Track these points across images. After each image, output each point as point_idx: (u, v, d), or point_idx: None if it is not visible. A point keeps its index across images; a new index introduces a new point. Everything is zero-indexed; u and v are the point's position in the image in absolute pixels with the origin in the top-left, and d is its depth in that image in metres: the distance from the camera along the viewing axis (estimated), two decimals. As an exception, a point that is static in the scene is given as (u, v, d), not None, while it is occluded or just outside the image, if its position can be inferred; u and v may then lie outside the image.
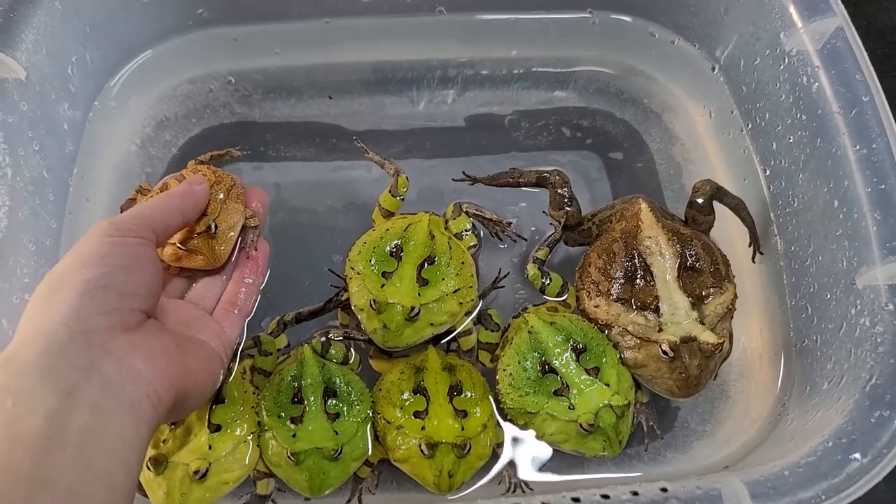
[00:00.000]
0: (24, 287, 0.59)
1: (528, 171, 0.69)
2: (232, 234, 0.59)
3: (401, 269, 0.60)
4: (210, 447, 0.54)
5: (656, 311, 0.59)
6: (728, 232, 0.70)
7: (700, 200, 0.65)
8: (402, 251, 0.61)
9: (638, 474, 0.61)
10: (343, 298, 0.63)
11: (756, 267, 0.69)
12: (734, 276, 0.63)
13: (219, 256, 0.58)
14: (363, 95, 0.80)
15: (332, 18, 0.79)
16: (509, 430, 0.60)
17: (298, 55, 0.81)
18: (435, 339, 0.62)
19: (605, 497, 0.46)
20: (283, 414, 0.57)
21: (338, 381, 0.59)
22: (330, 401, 0.58)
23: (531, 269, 0.66)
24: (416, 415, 0.57)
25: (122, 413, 0.39)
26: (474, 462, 0.56)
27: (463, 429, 0.56)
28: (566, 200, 0.66)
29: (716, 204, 0.66)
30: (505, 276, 0.67)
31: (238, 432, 0.56)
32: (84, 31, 0.70)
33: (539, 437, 0.58)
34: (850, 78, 0.59)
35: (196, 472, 0.52)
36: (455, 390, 0.58)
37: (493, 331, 0.64)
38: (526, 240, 0.71)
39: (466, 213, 0.68)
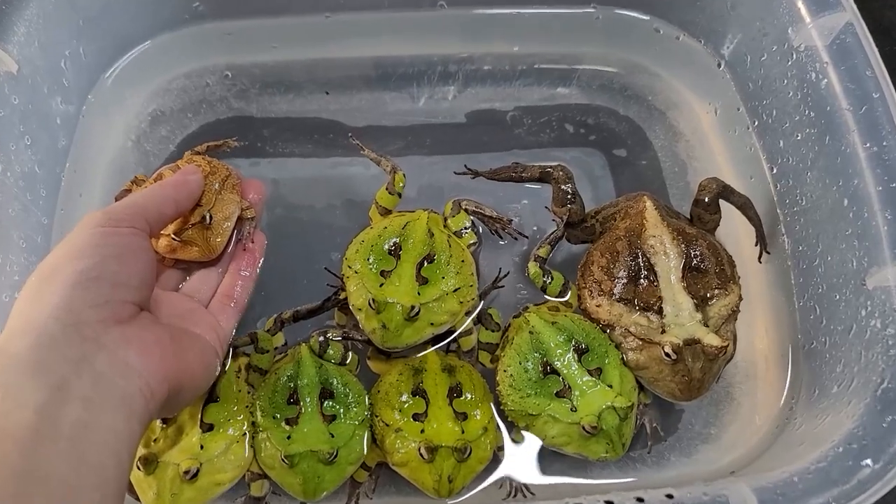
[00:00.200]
0: (15, 285, 0.58)
1: (531, 166, 0.68)
2: (227, 224, 0.58)
3: (400, 268, 0.59)
4: (202, 447, 0.53)
5: (659, 312, 0.58)
6: (734, 231, 0.69)
7: (706, 199, 0.64)
8: (401, 249, 0.60)
9: (641, 478, 0.60)
10: (341, 298, 0.62)
11: (763, 267, 0.68)
12: (739, 277, 0.62)
13: (214, 247, 0.57)
14: (363, 91, 0.79)
15: (332, 13, 0.78)
16: (510, 433, 0.59)
17: (297, 50, 0.80)
18: (435, 340, 0.61)
19: (610, 503, 0.45)
20: (278, 415, 0.56)
21: (335, 383, 0.58)
22: (326, 402, 0.57)
23: (532, 268, 0.65)
24: (416, 417, 0.56)
25: (114, 407, 0.39)
26: (475, 466, 0.55)
27: (463, 432, 0.55)
28: (569, 197, 0.65)
29: (722, 203, 0.65)
30: (505, 275, 0.66)
31: (231, 432, 0.55)
32: (78, 24, 0.69)
33: (541, 439, 0.57)
34: (860, 74, 0.58)
35: (187, 473, 0.51)
36: (455, 392, 0.57)
37: (493, 331, 0.63)
38: (527, 237, 0.70)
39: (465, 210, 0.67)
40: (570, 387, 0.56)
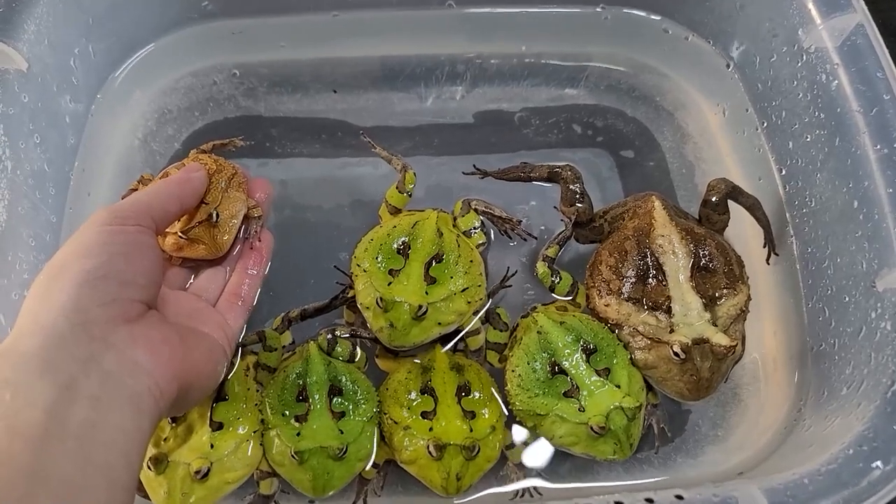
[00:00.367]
0: (24, 283, 0.58)
1: (540, 166, 0.68)
2: (234, 222, 0.58)
3: (408, 267, 0.59)
4: (212, 446, 0.53)
5: (668, 311, 0.58)
6: (743, 232, 0.69)
7: (715, 199, 0.64)
8: (410, 249, 0.60)
9: (648, 480, 0.60)
10: (349, 296, 0.62)
11: (771, 268, 0.68)
12: (748, 277, 0.62)
13: (221, 245, 0.57)
14: (370, 91, 0.79)
15: (340, 12, 0.78)
16: (518, 432, 0.59)
17: (305, 49, 0.80)
18: (442, 339, 0.61)
19: None
20: (287, 412, 0.56)
21: (343, 380, 0.58)
22: (335, 399, 0.57)
23: (541, 268, 0.65)
24: (424, 415, 0.56)
25: (123, 406, 0.39)
26: (483, 464, 0.55)
27: (471, 430, 0.55)
28: (578, 196, 0.65)
29: (730, 203, 0.65)
30: (513, 275, 0.65)
31: (240, 431, 0.55)
32: (87, 23, 0.69)
33: (548, 439, 0.57)
34: (870, 76, 0.58)
35: (198, 472, 0.51)
36: (463, 391, 0.57)
37: (501, 330, 0.63)
38: (536, 238, 0.70)
39: (475, 210, 0.67)
40: (578, 387, 0.56)
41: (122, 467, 0.38)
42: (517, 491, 0.57)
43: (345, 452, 0.53)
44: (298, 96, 0.79)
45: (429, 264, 0.60)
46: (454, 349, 0.63)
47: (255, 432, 0.55)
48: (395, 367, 0.62)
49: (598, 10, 0.79)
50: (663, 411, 0.62)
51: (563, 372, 0.57)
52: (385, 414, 0.57)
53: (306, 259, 0.69)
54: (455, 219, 0.67)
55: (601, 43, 0.80)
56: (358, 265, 0.61)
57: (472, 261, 0.61)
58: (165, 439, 0.54)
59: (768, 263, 0.67)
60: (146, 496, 0.53)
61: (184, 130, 0.77)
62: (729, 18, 0.73)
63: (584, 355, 0.58)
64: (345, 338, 0.62)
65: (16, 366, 0.37)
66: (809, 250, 0.63)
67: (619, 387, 0.56)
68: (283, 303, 0.64)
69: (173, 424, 0.55)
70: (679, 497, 0.45)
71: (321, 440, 0.54)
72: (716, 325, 0.57)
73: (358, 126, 0.77)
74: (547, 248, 0.65)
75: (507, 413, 0.59)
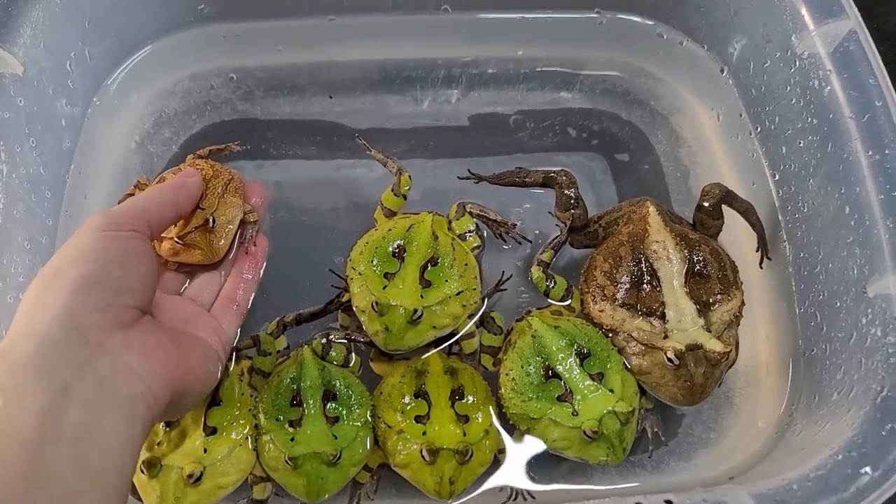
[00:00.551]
0: (19, 286, 0.58)
1: (535, 171, 0.68)
2: (230, 227, 0.58)
3: (403, 271, 0.59)
4: (205, 450, 0.53)
5: (662, 317, 0.58)
6: (737, 237, 0.69)
7: (709, 204, 0.64)
8: (405, 252, 0.60)
9: (641, 483, 0.61)
10: (344, 300, 0.62)
11: (764, 273, 0.68)
12: (742, 283, 0.62)
13: (217, 250, 0.57)
14: (367, 94, 0.79)
15: (336, 16, 0.78)
16: (511, 436, 0.59)
17: (301, 52, 0.80)
18: (437, 343, 0.61)
19: (609, 508, 0.45)
20: (281, 417, 0.56)
21: (338, 384, 0.58)
22: (329, 404, 0.57)
23: (535, 272, 0.65)
24: (418, 419, 0.56)
25: (116, 411, 0.39)
26: (476, 468, 0.55)
27: (465, 434, 0.55)
28: (573, 202, 0.65)
29: (724, 208, 0.65)
30: (508, 279, 0.66)
31: (234, 435, 0.55)
32: (83, 26, 0.69)
33: (542, 443, 0.57)
34: (862, 82, 0.58)
35: (190, 476, 0.51)
36: (457, 395, 0.58)
37: (495, 334, 0.63)
38: (531, 242, 0.70)
39: (470, 213, 0.67)
40: (571, 391, 0.56)
41: (115, 471, 0.38)
42: (510, 494, 0.58)
43: (339, 458, 0.53)
44: (294, 99, 0.79)
45: (424, 268, 0.60)
46: (448, 352, 0.63)
47: (248, 437, 0.56)
48: (389, 370, 0.62)
49: (594, 15, 0.79)
50: (657, 415, 0.62)
51: (556, 376, 0.57)
52: (379, 418, 0.57)
53: (301, 262, 0.69)
54: (450, 222, 0.67)
55: (596, 47, 0.80)
56: (353, 268, 0.61)
57: (466, 264, 0.62)
58: (159, 443, 0.54)
59: (761, 268, 0.67)
60: (140, 499, 0.53)
61: (181, 133, 0.77)
62: (723, 24, 0.73)
63: (577, 359, 0.58)
64: (339, 342, 0.62)
65: (11, 370, 0.38)
66: (802, 255, 0.63)
67: (612, 391, 0.56)
68: (278, 305, 0.64)
69: (167, 428, 0.55)
70: (668, 502, 0.45)
71: (315, 445, 0.54)
72: (710, 331, 0.57)
73: (354, 129, 0.77)
74: (542, 253, 0.65)
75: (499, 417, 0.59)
